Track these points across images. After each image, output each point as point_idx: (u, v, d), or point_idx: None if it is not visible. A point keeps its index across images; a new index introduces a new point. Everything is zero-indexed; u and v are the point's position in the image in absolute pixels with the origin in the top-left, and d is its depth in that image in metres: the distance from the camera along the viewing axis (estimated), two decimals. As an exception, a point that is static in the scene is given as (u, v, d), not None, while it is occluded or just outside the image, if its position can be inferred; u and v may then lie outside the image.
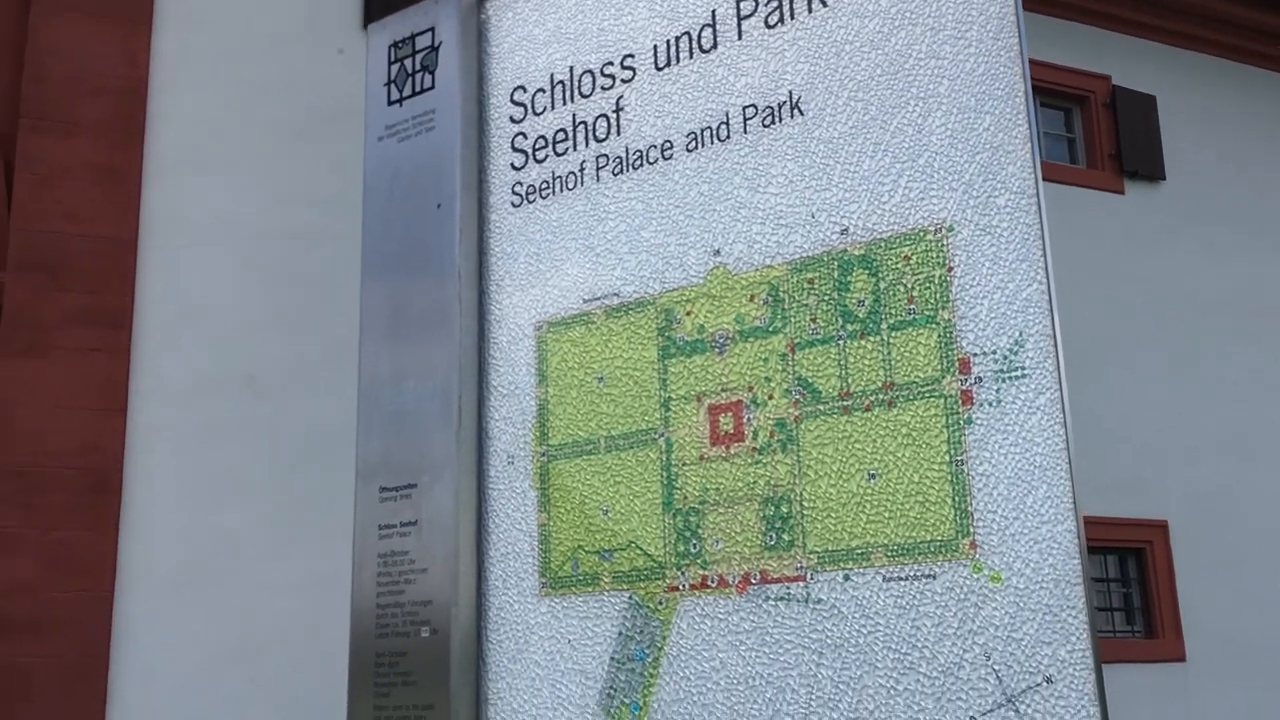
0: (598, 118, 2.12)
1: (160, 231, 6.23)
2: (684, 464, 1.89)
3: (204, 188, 6.35)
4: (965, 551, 1.62)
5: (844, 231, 1.81)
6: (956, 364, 1.68)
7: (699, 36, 2.02)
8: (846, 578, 1.71)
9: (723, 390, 1.88)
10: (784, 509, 1.78)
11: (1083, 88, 9.10)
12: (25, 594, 5.55)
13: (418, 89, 2.29)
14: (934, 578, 1.64)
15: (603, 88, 2.12)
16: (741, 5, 1.98)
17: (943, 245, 1.72)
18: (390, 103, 2.32)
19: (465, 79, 2.24)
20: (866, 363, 1.75)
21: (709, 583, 1.83)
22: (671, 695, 1.83)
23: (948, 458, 1.66)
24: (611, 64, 2.12)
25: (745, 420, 1.84)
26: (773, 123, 1.91)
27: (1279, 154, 9.69)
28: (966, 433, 1.65)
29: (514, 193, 2.19)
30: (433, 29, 2.29)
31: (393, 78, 2.33)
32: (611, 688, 1.90)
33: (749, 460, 1.83)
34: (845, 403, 1.76)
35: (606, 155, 2.09)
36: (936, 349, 1.69)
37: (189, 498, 5.98)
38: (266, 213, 6.42)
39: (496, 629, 2.04)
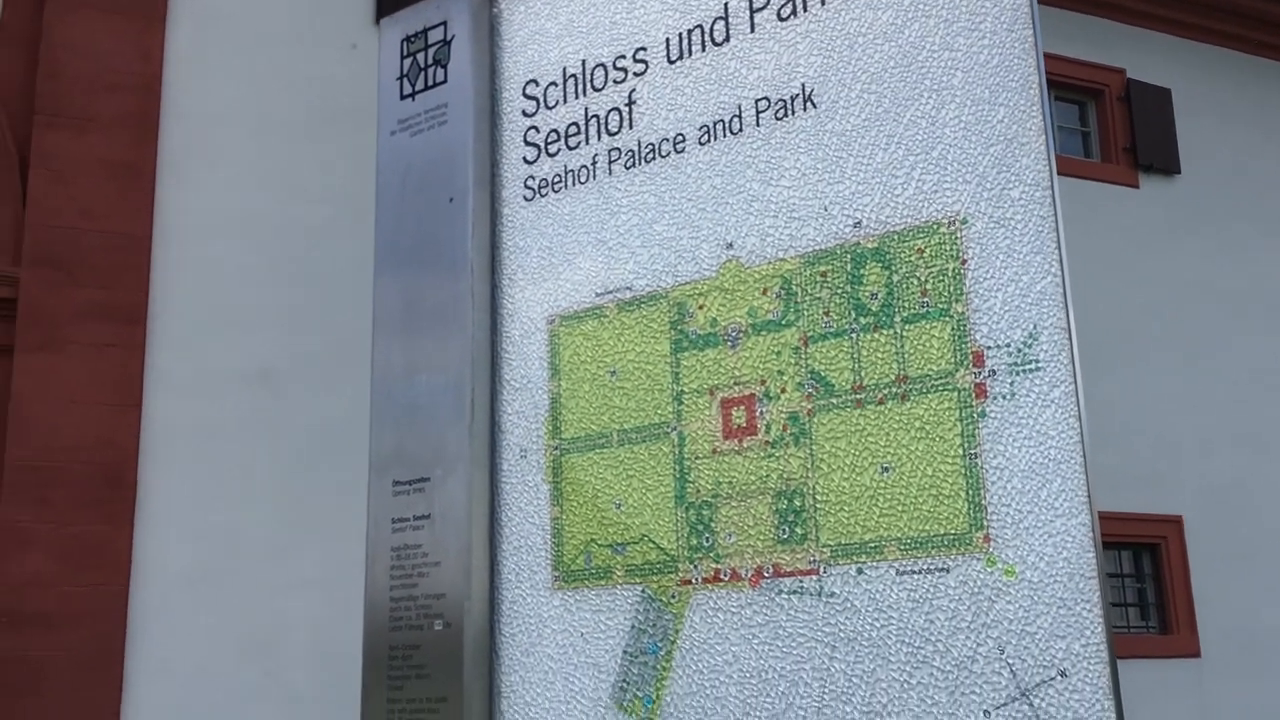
0: (610, 111, 2.11)
1: (174, 227, 6.25)
2: (696, 457, 1.89)
3: (218, 183, 6.38)
4: (979, 545, 1.61)
5: (857, 224, 1.80)
6: (970, 357, 1.67)
7: (711, 29, 2.01)
8: (860, 571, 1.70)
9: (735, 384, 1.87)
10: (797, 502, 1.77)
11: (1097, 81, 9.06)
12: (40, 588, 5.58)
13: (430, 83, 2.29)
14: (947, 571, 1.63)
15: (615, 81, 2.12)
16: (754, -2, 1.98)
17: (956, 238, 1.71)
18: (403, 97, 2.32)
19: (477, 73, 2.24)
20: (880, 356, 1.74)
21: (721, 576, 1.83)
22: (684, 688, 1.83)
23: (961, 451, 1.65)
24: (624, 57, 2.11)
25: (758, 413, 1.84)
26: (785, 115, 1.90)
27: (1294, 148, 9.65)
28: (980, 426, 1.64)
29: (526, 186, 2.19)
30: (445, 23, 2.29)
31: (405, 72, 2.33)
32: (624, 681, 1.90)
33: (762, 453, 1.82)
34: (858, 396, 1.75)
35: (619, 149, 2.09)
36: (950, 342, 1.69)
37: (203, 492, 6.00)
38: (280, 208, 6.44)
39: (509, 622, 2.04)
